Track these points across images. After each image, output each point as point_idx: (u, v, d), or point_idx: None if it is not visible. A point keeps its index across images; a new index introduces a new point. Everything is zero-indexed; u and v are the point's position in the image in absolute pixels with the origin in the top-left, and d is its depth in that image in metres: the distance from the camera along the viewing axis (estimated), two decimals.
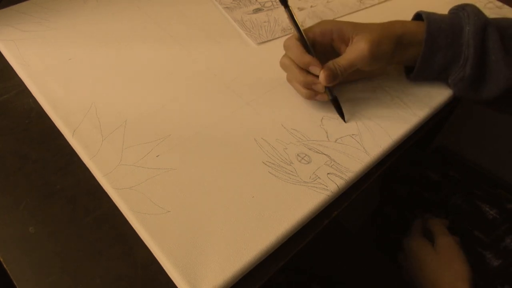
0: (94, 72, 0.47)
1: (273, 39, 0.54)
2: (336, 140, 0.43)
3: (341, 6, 0.61)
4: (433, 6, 0.63)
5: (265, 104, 0.46)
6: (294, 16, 0.42)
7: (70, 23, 0.53)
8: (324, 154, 0.41)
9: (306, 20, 0.58)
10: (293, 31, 0.43)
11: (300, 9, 0.60)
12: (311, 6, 0.61)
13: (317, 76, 0.42)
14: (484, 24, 0.43)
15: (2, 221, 0.35)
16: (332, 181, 0.39)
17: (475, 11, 0.44)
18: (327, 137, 0.43)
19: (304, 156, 0.41)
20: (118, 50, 0.50)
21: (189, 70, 0.49)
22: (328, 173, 0.40)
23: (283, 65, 0.45)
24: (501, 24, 0.45)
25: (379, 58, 0.43)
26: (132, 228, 0.36)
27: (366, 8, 0.62)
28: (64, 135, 0.41)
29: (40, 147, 0.41)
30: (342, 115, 0.44)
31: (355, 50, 0.42)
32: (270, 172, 0.39)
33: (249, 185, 0.38)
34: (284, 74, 0.47)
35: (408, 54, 0.45)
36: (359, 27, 0.43)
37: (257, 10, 0.59)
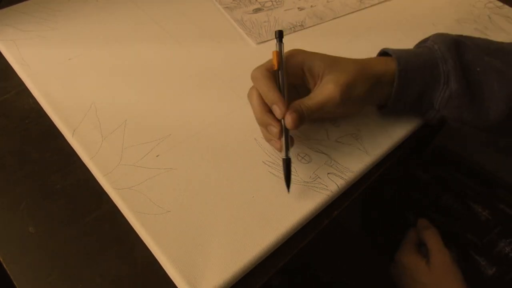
0: (94, 72, 0.47)
1: (273, 39, 0.54)
2: (336, 140, 0.43)
3: (341, 6, 0.61)
4: (433, 6, 0.63)
5: None
6: (283, 53, 0.38)
7: (70, 23, 0.53)
8: (324, 153, 0.41)
9: (306, 20, 0.58)
10: (274, 62, 0.38)
11: (300, 9, 0.60)
12: (311, 6, 0.61)
13: (276, 118, 0.37)
14: (455, 40, 0.41)
15: (2, 221, 0.35)
16: (332, 181, 0.39)
17: (439, 35, 0.42)
18: (327, 136, 0.43)
19: (304, 156, 0.41)
20: (118, 50, 0.50)
21: (189, 69, 0.49)
22: (328, 173, 0.40)
23: (248, 95, 0.39)
24: (475, 40, 0.42)
25: (351, 100, 0.38)
26: (132, 228, 0.36)
27: (366, 8, 0.62)
28: (64, 135, 0.41)
29: (40, 147, 0.41)
30: (288, 182, 0.37)
31: (324, 92, 0.37)
32: (270, 172, 0.39)
33: (249, 185, 0.38)
34: None
35: (384, 92, 0.41)
36: (331, 65, 0.38)
37: (257, 10, 0.59)
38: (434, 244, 0.54)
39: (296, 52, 0.40)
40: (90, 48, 0.50)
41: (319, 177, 0.39)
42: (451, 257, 0.53)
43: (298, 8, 0.61)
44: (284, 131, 0.37)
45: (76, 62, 0.48)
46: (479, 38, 0.43)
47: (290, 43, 0.54)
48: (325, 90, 0.37)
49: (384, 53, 0.43)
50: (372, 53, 0.54)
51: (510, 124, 0.40)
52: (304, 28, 0.57)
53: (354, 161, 0.41)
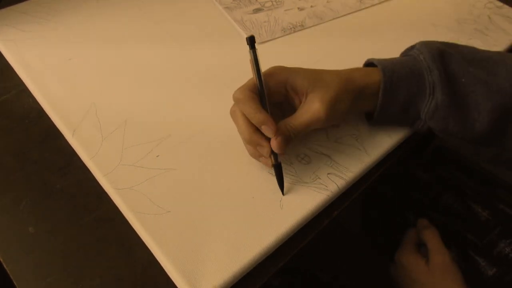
0: (94, 72, 0.47)
1: (273, 39, 0.54)
2: (336, 140, 0.43)
3: (341, 6, 0.61)
4: (433, 6, 0.63)
5: None
6: (259, 63, 0.37)
7: (70, 23, 0.53)
8: (324, 154, 0.41)
9: (306, 20, 0.58)
10: (254, 77, 0.37)
11: (300, 9, 0.60)
12: (311, 6, 0.61)
13: (266, 136, 0.36)
14: (439, 50, 0.40)
15: (2, 221, 0.35)
16: (332, 181, 0.39)
17: (425, 43, 0.41)
18: (327, 137, 0.43)
19: (304, 157, 0.41)
20: (118, 50, 0.50)
21: (189, 70, 0.49)
22: (328, 173, 0.40)
23: (232, 115, 0.38)
24: (460, 49, 0.41)
25: (336, 116, 0.38)
26: (132, 228, 0.36)
27: (366, 8, 0.62)
28: (64, 135, 0.41)
29: (40, 147, 0.41)
30: (281, 186, 0.38)
31: (310, 111, 0.37)
32: (270, 172, 0.39)
33: (249, 185, 0.38)
34: None
35: (369, 103, 0.41)
36: (315, 82, 0.38)
37: (257, 10, 0.59)
38: (434, 244, 0.54)
39: (277, 70, 0.39)
40: (90, 48, 0.50)
41: (319, 177, 0.39)
42: (450, 257, 0.53)
43: (298, 8, 0.61)
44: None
45: (76, 62, 0.48)
46: (465, 47, 0.42)
47: (291, 43, 0.54)
48: (310, 109, 0.37)
49: (370, 63, 0.43)
50: (372, 53, 0.54)
51: (495, 135, 0.40)
52: (304, 28, 0.57)
53: (354, 161, 0.41)
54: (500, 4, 0.65)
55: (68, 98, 0.44)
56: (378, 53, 0.54)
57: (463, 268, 0.52)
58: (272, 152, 0.37)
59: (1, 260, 0.33)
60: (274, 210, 0.37)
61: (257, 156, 0.39)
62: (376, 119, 0.42)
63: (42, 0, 0.55)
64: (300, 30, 0.57)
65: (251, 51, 0.36)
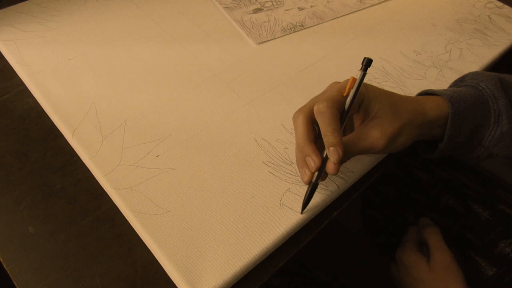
0: (94, 72, 0.47)
1: (273, 39, 0.54)
2: None
3: (341, 6, 0.61)
4: (433, 6, 0.63)
5: (265, 104, 0.46)
6: (361, 85, 0.36)
7: (70, 23, 0.53)
8: None
9: (306, 20, 0.58)
10: (349, 96, 0.36)
11: (300, 9, 0.60)
12: (311, 6, 0.61)
13: (318, 151, 0.36)
14: (499, 78, 0.40)
15: (2, 221, 0.35)
16: (332, 181, 0.39)
17: (478, 72, 0.41)
18: None
19: None
20: (118, 50, 0.50)
21: (189, 70, 0.49)
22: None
23: (294, 119, 0.37)
24: (507, 76, 0.42)
25: (395, 147, 0.38)
26: (132, 228, 0.36)
27: (366, 8, 0.62)
28: (64, 135, 0.41)
29: (40, 147, 0.41)
30: (305, 204, 0.37)
31: (369, 139, 0.37)
32: (270, 172, 0.39)
33: (249, 185, 0.38)
34: (284, 74, 0.46)
35: (433, 134, 0.40)
36: (384, 108, 0.37)
37: (257, 10, 0.59)
38: (435, 242, 0.54)
39: (363, 90, 0.37)
40: (90, 48, 0.50)
41: None
42: (452, 255, 0.53)
43: (298, 8, 0.61)
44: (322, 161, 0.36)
45: (76, 62, 0.48)
46: (507, 75, 0.42)
47: (291, 43, 0.54)
48: (371, 136, 0.37)
49: (425, 92, 0.43)
50: (372, 53, 0.54)
51: None
52: (304, 28, 0.57)
53: (354, 161, 0.41)
54: (500, 4, 0.65)
55: (68, 98, 0.44)
56: (378, 53, 0.54)
57: (463, 268, 0.52)
58: (318, 172, 0.36)
59: (1, 260, 0.33)
60: (274, 210, 0.37)
61: (301, 165, 0.37)
62: (442, 148, 0.40)
63: (42, 0, 0.55)
64: (300, 30, 0.57)
65: (362, 73, 0.35)
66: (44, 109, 0.44)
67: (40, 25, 0.52)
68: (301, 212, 0.37)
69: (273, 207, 0.37)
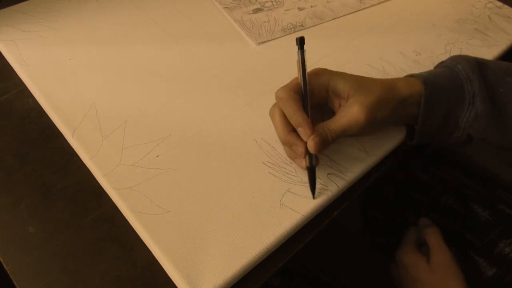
0: (94, 72, 0.47)
1: (273, 39, 0.54)
2: (337, 142, 0.43)
3: (341, 6, 0.61)
4: (433, 6, 0.63)
5: (265, 104, 0.46)
6: (305, 65, 0.37)
7: (70, 23, 0.53)
8: (324, 154, 0.41)
9: (306, 20, 0.58)
10: (299, 77, 0.38)
11: (300, 9, 0.60)
12: (311, 6, 0.61)
13: (300, 137, 0.37)
14: (476, 60, 0.40)
15: (2, 221, 0.35)
16: (332, 181, 0.39)
17: (458, 56, 0.42)
18: None
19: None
20: (118, 50, 0.50)
21: (189, 70, 0.49)
22: (328, 173, 0.40)
23: (271, 114, 0.39)
24: (494, 62, 0.42)
25: (375, 122, 0.38)
26: (132, 228, 0.36)
27: (366, 8, 0.62)
28: (64, 135, 0.41)
29: (40, 147, 0.41)
30: (313, 189, 0.38)
31: (349, 115, 0.37)
32: (270, 172, 0.39)
33: (249, 185, 0.38)
34: (284, 75, 0.46)
35: (410, 114, 0.41)
36: (356, 87, 0.38)
37: (257, 10, 0.59)
38: (435, 243, 0.54)
39: (321, 72, 0.39)
40: (90, 48, 0.50)
41: (319, 177, 0.39)
42: (451, 256, 0.53)
43: (298, 8, 0.61)
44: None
45: (76, 62, 0.48)
46: (497, 61, 0.43)
47: (291, 43, 0.54)
48: (350, 112, 0.37)
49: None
50: (372, 53, 0.54)
51: None
52: (304, 28, 0.57)
53: (354, 161, 0.41)
54: (500, 4, 0.65)
55: (68, 98, 0.44)
56: (378, 53, 0.54)
57: (463, 269, 0.52)
58: (308, 154, 0.37)
59: (1, 260, 0.33)
60: (274, 210, 0.37)
61: (293, 156, 0.39)
62: (418, 130, 0.41)
63: (42, 0, 0.55)
64: (300, 30, 0.57)
65: (299, 51, 0.37)
66: (44, 109, 0.44)
67: (40, 25, 0.52)
68: (313, 198, 0.38)
69: (273, 207, 0.37)
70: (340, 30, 0.57)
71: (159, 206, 0.36)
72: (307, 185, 0.38)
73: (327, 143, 0.37)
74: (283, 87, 0.38)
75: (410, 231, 0.58)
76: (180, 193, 0.37)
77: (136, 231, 0.35)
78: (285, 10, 0.60)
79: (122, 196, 0.36)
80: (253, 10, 0.59)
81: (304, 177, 0.39)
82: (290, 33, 0.56)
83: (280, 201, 0.37)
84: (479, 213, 0.58)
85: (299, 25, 0.57)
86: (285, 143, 0.38)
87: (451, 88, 0.40)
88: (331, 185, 0.39)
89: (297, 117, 0.36)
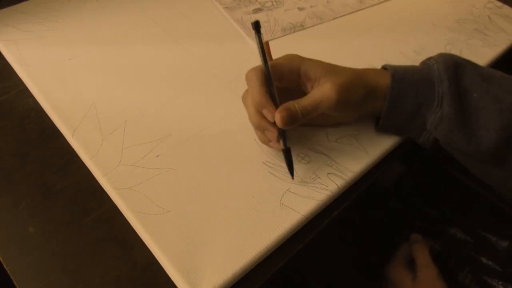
0: (94, 72, 0.47)
1: (273, 39, 0.54)
2: (336, 140, 0.43)
3: (341, 6, 0.61)
4: (433, 6, 0.64)
5: None
6: (264, 46, 0.37)
7: (70, 23, 0.53)
8: (324, 154, 0.41)
9: (306, 20, 0.58)
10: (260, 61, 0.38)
11: (300, 9, 0.60)
12: (311, 6, 0.61)
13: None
14: (455, 62, 0.39)
15: (2, 221, 0.35)
16: (332, 181, 0.39)
17: (442, 54, 0.41)
18: (327, 137, 0.43)
19: (304, 156, 0.41)
20: (118, 50, 0.50)
21: (189, 70, 0.49)
22: (328, 173, 0.40)
23: (243, 99, 0.40)
24: (477, 66, 0.41)
25: (347, 104, 0.38)
26: (132, 228, 0.36)
27: (366, 8, 0.62)
28: (64, 135, 0.41)
29: (40, 147, 0.41)
30: (291, 170, 0.38)
31: (320, 91, 0.37)
32: (270, 172, 0.39)
33: (249, 185, 0.38)
34: None
35: (378, 106, 0.41)
36: (328, 69, 0.38)
37: (257, 10, 0.59)
38: (422, 259, 0.53)
39: (292, 57, 0.39)
40: (90, 48, 0.50)
41: (319, 177, 0.39)
42: (437, 272, 0.52)
43: (298, 8, 0.61)
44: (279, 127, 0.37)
45: (76, 62, 0.48)
46: (484, 66, 0.42)
47: (291, 43, 0.54)
48: (322, 89, 0.37)
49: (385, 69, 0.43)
50: (372, 53, 0.54)
51: (502, 156, 0.38)
52: (304, 28, 0.57)
53: (354, 161, 0.41)
54: (500, 4, 0.65)
55: (68, 98, 0.44)
56: (378, 53, 0.54)
57: (450, 286, 0.51)
58: (282, 136, 0.37)
59: (1, 260, 0.33)
60: (274, 210, 0.37)
61: (266, 141, 0.39)
62: (382, 124, 0.41)
63: (42, 0, 0.55)
64: (300, 30, 0.57)
65: (256, 35, 0.37)
66: (44, 109, 0.44)
67: (40, 25, 0.52)
68: (292, 178, 0.38)
69: (273, 207, 0.37)
70: (340, 30, 0.57)
71: (159, 206, 0.36)
72: (307, 185, 0.39)
73: (296, 119, 0.36)
74: (252, 68, 0.38)
75: (402, 247, 0.57)
76: (180, 193, 0.37)
77: (136, 231, 0.35)
78: (285, 10, 0.60)
79: (122, 196, 0.36)
80: (253, 10, 0.59)
81: (305, 177, 0.39)
82: (290, 33, 0.56)
83: (280, 201, 0.37)
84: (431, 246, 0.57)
85: (299, 25, 0.57)
86: (257, 127, 0.38)
87: (420, 87, 0.39)
88: (331, 185, 0.39)
89: (260, 99, 0.36)
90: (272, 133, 0.37)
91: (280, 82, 0.38)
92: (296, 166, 0.40)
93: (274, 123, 0.36)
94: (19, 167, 0.39)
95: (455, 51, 0.55)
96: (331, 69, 0.38)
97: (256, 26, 0.37)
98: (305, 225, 0.37)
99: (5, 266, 0.33)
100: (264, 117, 0.37)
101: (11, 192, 0.37)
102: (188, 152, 0.40)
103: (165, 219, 0.35)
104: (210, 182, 0.38)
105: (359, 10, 0.61)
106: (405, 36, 0.57)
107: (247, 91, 0.39)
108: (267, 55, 0.37)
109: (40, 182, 0.38)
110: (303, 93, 0.40)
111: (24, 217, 0.36)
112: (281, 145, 0.38)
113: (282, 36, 0.55)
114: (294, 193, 0.38)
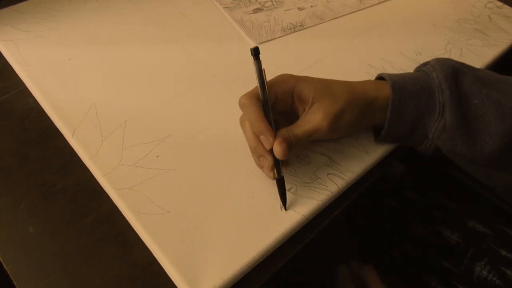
0: (94, 72, 0.47)
1: (273, 39, 0.54)
2: (336, 140, 0.43)
3: (341, 6, 0.61)
4: (433, 6, 0.63)
5: None
6: (263, 74, 0.36)
7: (70, 23, 0.53)
8: (324, 154, 0.41)
9: (306, 20, 0.58)
10: (256, 86, 0.37)
11: (300, 9, 0.60)
12: (311, 6, 0.61)
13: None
14: (453, 68, 0.39)
15: (2, 221, 0.35)
16: (332, 181, 0.39)
17: (439, 60, 0.40)
18: None
19: (304, 157, 0.41)
20: (118, 50, 0.50)
21: (189, 70, 0.49)
22: (328, 173, 0.40)
23: (241, 123, 0.39)
24: (475, 70, 0.40)
25: (340, 129, 0.38)
26: (132, 228, 0.36)
27: (366, 8, 0.62)
28: (64, 135, 0.41)
29: (40, 147, 0.41)
30: (284, 200, 0.37)
31: (312, 121, 0.37)
32: None
33: (249, 185, 0.38)
34: None
35: (377, 118, 0.40)
36: (322, 91, 0.37)
37: (257, 10, 0.59)
38: (372, 282, 0.52)
39: (285, 78, 0.39)
40: (90, 48, 0.50)
41: (319, 177, 0.39)
42: None
43: (298, 8, 0.61)
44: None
45: (76, 62, 0.48)
46: (479, 69, 0.41)
47: (291, 43, 0.54)
48: (313, 119, 0.37)
49: (381, 78, 0.42)
50: (372, 53, 0.54)
51: (506, 160, 0.38)
52: (304, 28, 0.57)
53: (354, 161, 0.41)
54: (500, 4, 0.65)
55: (68, 98, 0.44)
56: (378, 53, 0.54)
57: None
58: (276, 165, 0.36)
59: (1, 260, 0.33)
60: (274, 210, 0.37)
61: (260, 165, 0.38)
62: (384, 135, 0.41)
63: (42, 0, 0.55)
64: (300, 30, 0.57)
65: (255, 62, 0.36)
66: (44, 109, 0.44)
67: (40, 25, 0.52)
68: (285, 209, 0.37)
69: (273, 207, 0.37)
70: (340, 30, 0.57)
71: (159, 206, 0.36)
72: (308, 185, 0.39)
73: (291, 148, 0.36)
74: (245, 94, 0.37)
75: (342, 269, 0.55)
76: (180, 193, 0.37)
77: (136, 231, 0.35)
78: (285, 10, 0.60)
79: (122, 196, 0.36)
80: (253, 10, 0.59)
81: (305, 177, 0.39)
82: (290, 33, 0.56)
83: (280, 201, 0.37)
84: (448, 237, 0.56)
85: (299, 25, 0.57)
86: (254, 152, 0.38)
87: (421, 96, 0.39)
88: (331, 185, 0.39)
89: (259, 125, 0.35)
90: (267, 161, 0.36)
91: (273, 108, 0.38)
92: (296, 166, 0.40)
93: (270, 151, 0.36)
94: (19, 167, 0.39)
95: (455, 51, 0.55)
96: (325, 91, 0.38)
97: (255, 52, 0.36)
98: (305, 225, 0.37)
99: (5, 266, 0.33)
100: (261, 143, 0.36)
101: (11, 192, 0.37)
102: (188, 152, 0.40)
103: (165, 219, 0.35)
104: (210, 182, 0.38)
105: (359, 10, 0.61)
106: (405, 36, 0.57)
107: (243, 115, 0.38)
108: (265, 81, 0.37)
109: (40, 182, 0.38)
110: (296, 115, 0.39)
111: (24, 217, 0.36)
112: (275, 174, 0.37)
113: (282, 36, 0.55)
114: (294, 193, 0.38)
